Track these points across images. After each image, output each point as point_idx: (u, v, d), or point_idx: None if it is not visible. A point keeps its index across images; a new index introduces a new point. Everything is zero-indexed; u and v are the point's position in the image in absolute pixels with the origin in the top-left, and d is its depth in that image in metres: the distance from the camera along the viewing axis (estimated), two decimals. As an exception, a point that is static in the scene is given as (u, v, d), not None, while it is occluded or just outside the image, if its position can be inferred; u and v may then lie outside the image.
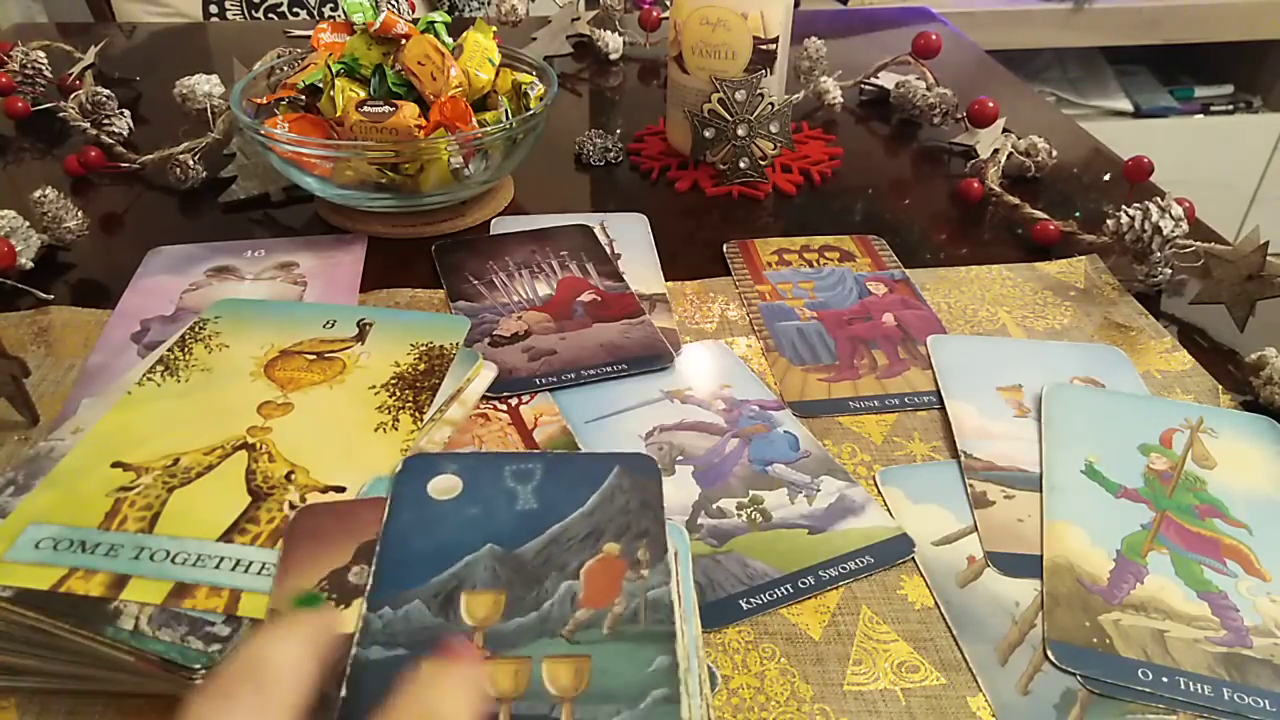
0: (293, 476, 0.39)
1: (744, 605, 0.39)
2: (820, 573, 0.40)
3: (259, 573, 0.35)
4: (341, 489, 0.39)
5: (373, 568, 0.35)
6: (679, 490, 0.44)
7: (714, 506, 0.43)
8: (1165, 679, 0.36)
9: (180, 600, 0.34)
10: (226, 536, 0.36)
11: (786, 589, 0.40)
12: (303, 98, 0.64)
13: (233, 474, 0.39)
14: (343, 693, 0.31)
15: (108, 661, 0.33)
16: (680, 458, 0.46)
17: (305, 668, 0.27)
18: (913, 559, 0.42)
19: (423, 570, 0.35)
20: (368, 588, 0.34)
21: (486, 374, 0.49)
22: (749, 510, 0.43)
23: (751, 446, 0.47)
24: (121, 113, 0.76)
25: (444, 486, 0.38)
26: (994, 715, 0.35)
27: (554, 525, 0.37)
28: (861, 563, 0.41)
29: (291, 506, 0.38)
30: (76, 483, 0.39)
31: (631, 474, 0.39)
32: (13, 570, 0.34)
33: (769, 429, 0.48)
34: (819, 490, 0.45)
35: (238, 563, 0.35)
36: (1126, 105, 1.86)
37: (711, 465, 0.46)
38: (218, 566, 0.35)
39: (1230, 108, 1.90)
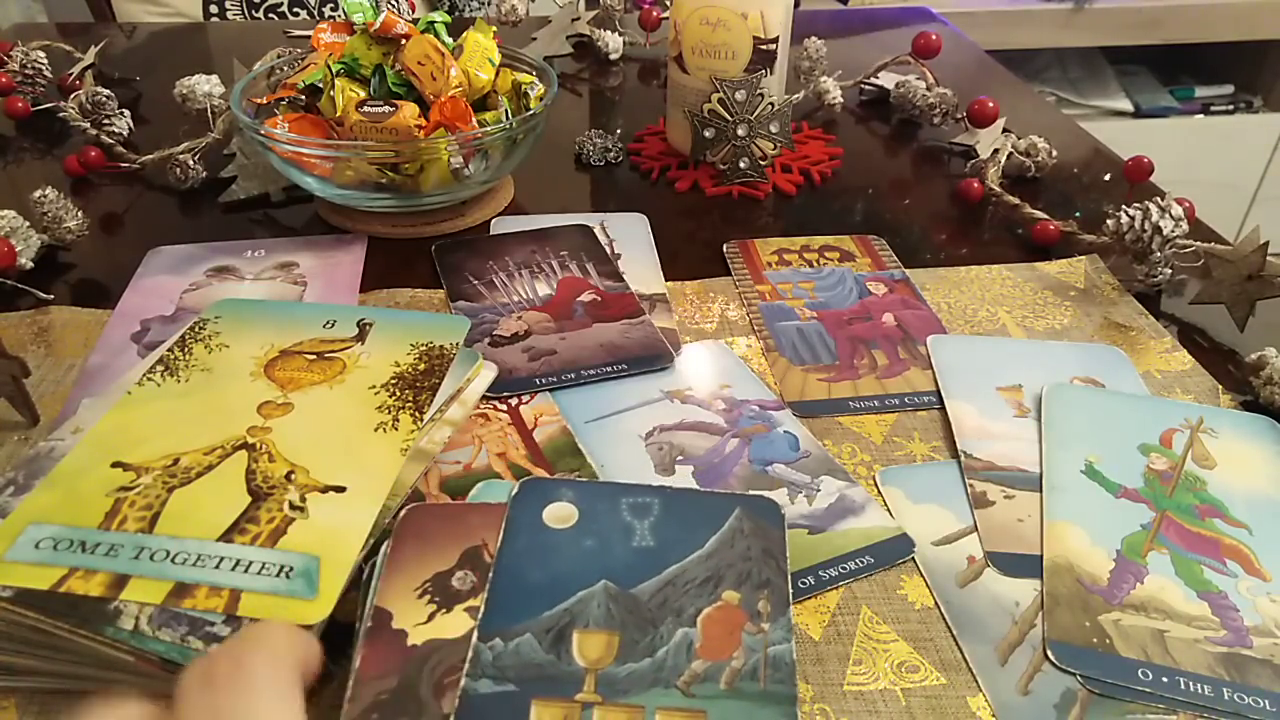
0: (293, 476, 0.39)
1: None
2: (820, 573, 0.40)
3: (259, 573, 0.35)
4: (342, 489, 0.39)
5: (485, 594, 0.34)
6: (679, 490, 0.44)
7: None
8: (1165, 679, 0.36)
9: (180, 600, 0.34)
10: (226, 536, 0.36)
11: None
12: (303, 98, 0.64)
13: (233, 474, 0.39)
14: None
15: (108, 661, 0.33)
16: (680, 458, 0.46)
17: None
18: (913, 559, 0.42)
19: (536, 602, 0.34)
20: (480, 615, 0.33)
21: (486, 374, 0.49)
22: None
23: (752, 446, 0.47)
24: (121, 113, 0.76)
25: (560, 515, 0.38)
26: (994, 715, 0.35)
27: (671, 566, 0.36)
28: (861, 563, 0.41)
29: (292, 506, 0.38)
30: (76, 483, 0.39)
31: (753, 517, 0.38)
32: (13, 570, 0.34)
33: (769, 429, 0.48)
34: (819, 490, 0.45)
35: (238, 563, 0.35)
36: (1126, 105, 1.86)
37: (712, 465, 0.46)
38: (218, 566, 0.35)
39: (1230, 108, 1.90)
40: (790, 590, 0.36)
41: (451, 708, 0.30)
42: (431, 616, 0.35)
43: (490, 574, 0.35)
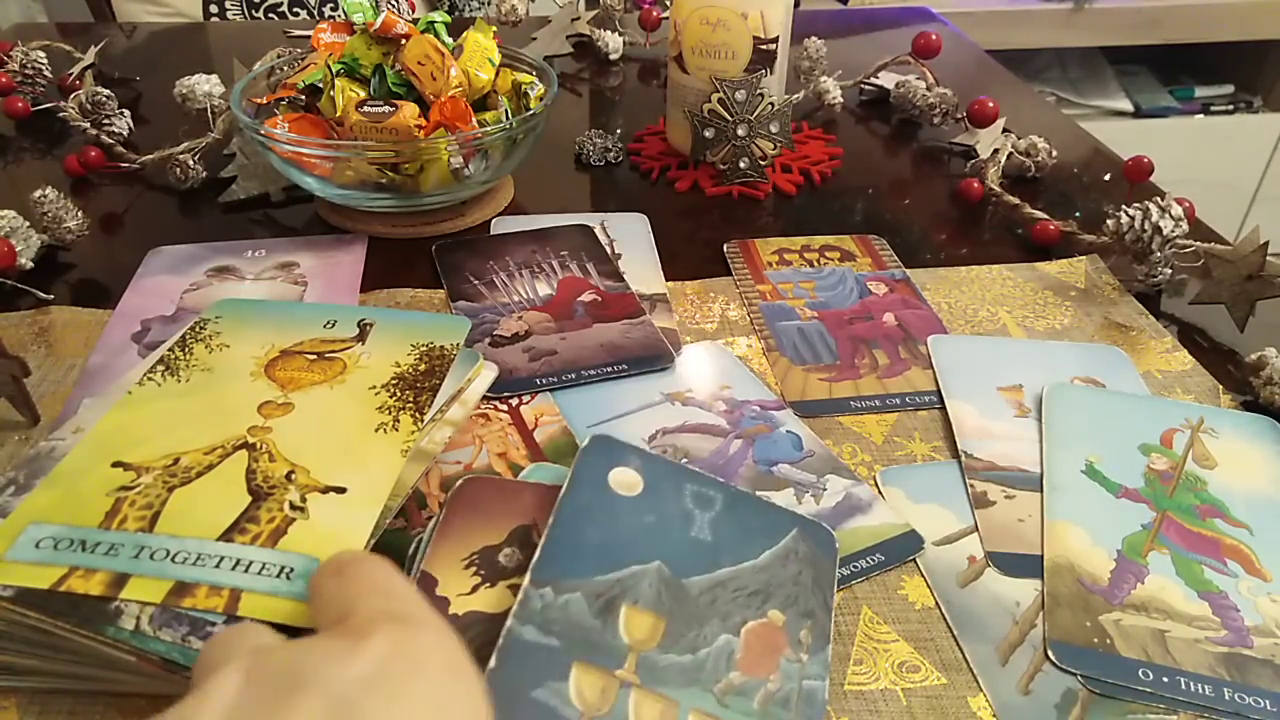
0: (293, 476, 0.39)
1: None
2: None
3: (259, 573, 0.35)
4: (342, 489, 0.39)
5: (543, 539, 0.33)
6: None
7: None
8: (1166, 679, 0.36)
9: (180, 599, 0.34)
10: (226, 536, 0.36)
11: None
12: (303, 98, 0.64)
13: (233, 474, 0.39)
14: (492, 663, 0.29)
15: (109, 661, 0.33)
16: (685, 460, 0.46)
17: None
18: (914, 559, 0.42)
19: (590, 563, 0.33)
20: (535, 558, 0.32)
21: (487, 374, 0.49)
22: None
23: (755, 447, 0.47)
24: (121, 113, 0.76)
25: (625, 481, 0.37)
26: (995, 715, 0.35)
27: (724, 568, 0.35)
28: (873, 560, 0.41)
29: (292, 507, 0.38)
30: (77, 482, 0.39)
31: (809, 542, 0.37)
32: (13, 569, 0.34)
33: (771, 429, 0.48)
34: (825, 489, 0.45)
35: (237, 562, 0.35)
36: (1126, 105, 1.86)
37: (716, 467, 0.46)
38: (217, 566, 0.35)
39: (1230, 108, 1.90)
40: (832, 628, 0.35)
41: (489, 665, 0.30)
42: (475, 589, 0.34)
43: (551, 519, 0.34)
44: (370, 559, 0.29)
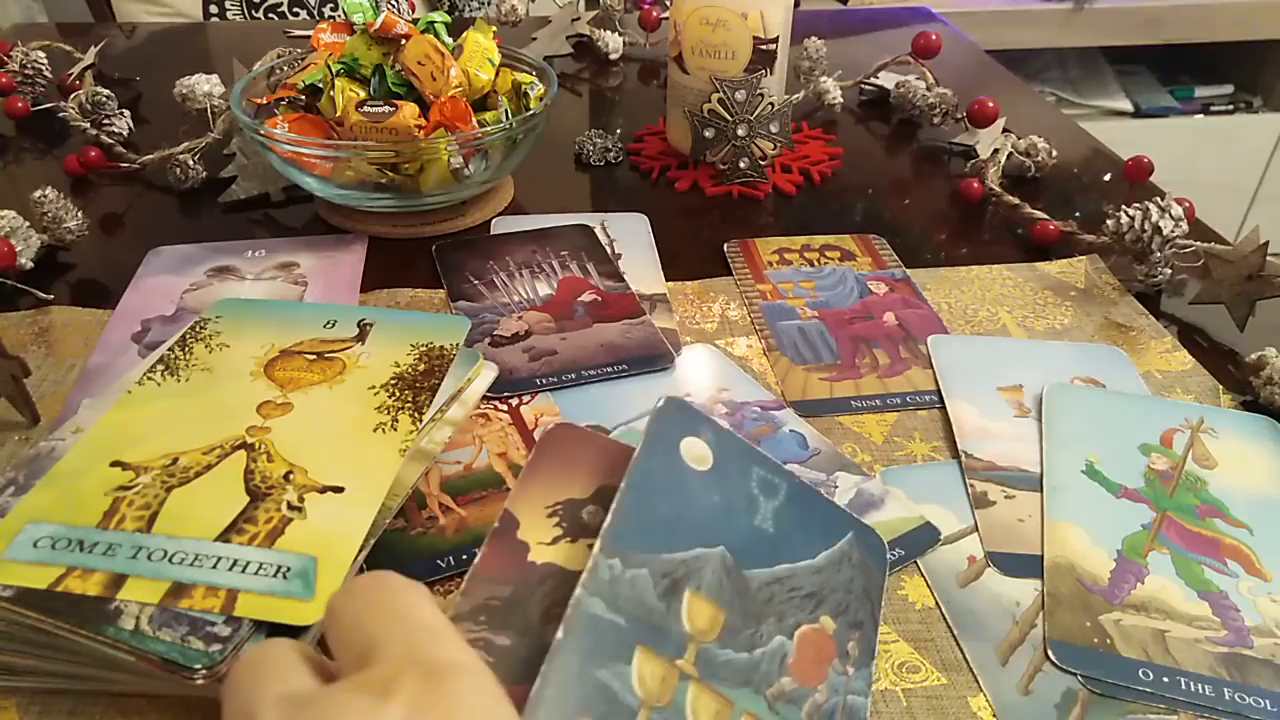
0: (291, 476, 0.39)
1: None
2: None
3: (256, 573, 0.35)
4: (340, 489, 0.39)
5: (615, 504, 0.31)
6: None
7: None
8: (1166, 679, 0.36)
9: (177, 600, 0.34)
10: (224, 536, 0.36)
11: None
12: (303, 98, 0.64)
13: (231, 474, 0.39)
14: (559, 634, 0.28)
15: (108, 661, 0.33)
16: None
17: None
18: (914, 560, 0.42)
19: (659, 538, 0.31)
20: (606, 524, 0.31)
21: (487, 374, 0.49)
22: None
23: (761, 449, 0.47)
24: (121, 113, 0.76)
25: (697, 453, 0.34)
26: (995, 715, 0.35)
27: (784, 564, 0.33)
28: (894, 555, 0.41)
29: (290, 507, 0.38)
30: (75, 482, 0.39)
31: (861, 549, 0.36)
32: (11, 569, 0.34)
33: (775, 430, 0.48)
34: (837, 487, 0.45)
35: (235, 562, 0.35)
36: (1126, 105, 1.86)
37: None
38: (215, 566, 0.35)
39: (1230, 108, 1.89)
40: (878, 643, 0.34)
41: (556, 636, 0.29)
42: (556, 540, 0.33)
43: (624, 483, 0.32)
44: (386, 579, 0.28)
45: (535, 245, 0.63)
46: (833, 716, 0.31)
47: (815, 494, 0.38)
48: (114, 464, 0.39)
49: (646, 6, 1.00)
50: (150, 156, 0.71)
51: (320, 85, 0.63)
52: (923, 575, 0.41)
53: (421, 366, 0.46)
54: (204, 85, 0.76)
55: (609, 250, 0.63)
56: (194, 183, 0.70)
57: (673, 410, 0.35)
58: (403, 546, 0.40)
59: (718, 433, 0.35)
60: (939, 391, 0.51)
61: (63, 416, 0.48)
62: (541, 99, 0.64)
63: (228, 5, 1.30)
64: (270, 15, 1.30)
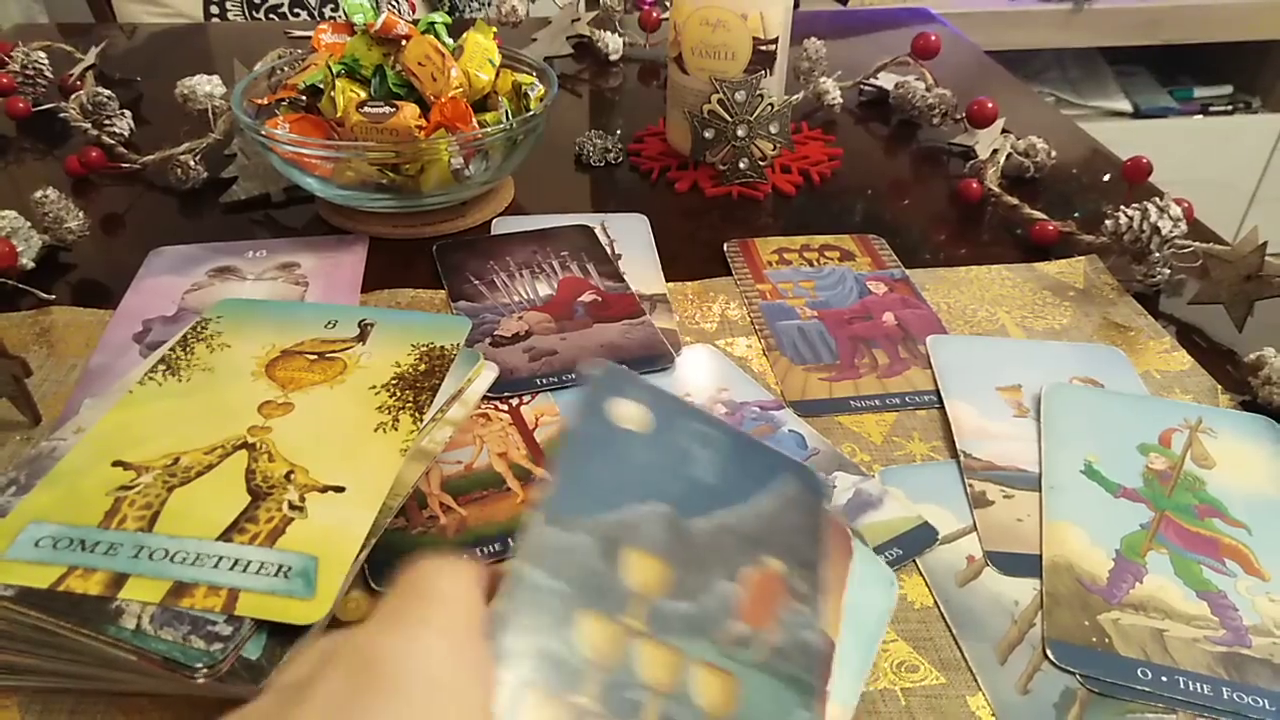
0: (292, 476, 0.39)
1: None
2: None
3: (257, 572, 0.35)
4: (341, 489, 0.39)
5: (548, 472, 0.31)
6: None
7: None
8: (1164, 678, 0.36)
9: (179, 599, 0.34)
10: (225, 536, 0.36)
11: None
12: (303, 98, 0.64)
13: (232, 473, 0.39)
14: (500, 606, 0.28)
15: (110, 661, 0.33)
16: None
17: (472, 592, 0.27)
18: (914, 560, 0.42)
19: (596, 499, 0.31)
20: (545, 490, 0.31)
21: (487, 374, 0.49)
22: None
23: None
24: (122, 113, 0.76)
25: (633, 415, 0.34)
26: (994, 714, 0.35)
27: (726, 510, 0.33)
28: (892, 555, 0.41)
29: (291, 506, 0.38)
30: (77, 481, 0.39)
31: (801, 486, 0.35)
32: (12, 569, 0.34)
33: (774, 429, 0.48)
34: (835, 486, 0.45)
35: (236, 562, 0.35)
36: (1126, 105, 1.86)
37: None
38: (216, 566, 0.35)
39: (1230, 108, 1.90)
40: (829, 578, 0.34)
41: (496, 609, 0.28)
42: None
43: (559, 449, 0.32)
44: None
45: (535, 245, 0.63)
46: (787, 654, 0.31)
47: (753, 442, 0.38)
48: (115, 464, 0.40)
49: (646, 7, 1.00)
50: (151, 157, 0.71)
51: (321, 86, 0.63)
52: (922, 575, 0.41)
53: (422, 366, 0.46)
54: (205, 86, 0.76)
55: (609, 250, 0.63)
56: (195, 183, 0.70)
57: (606, 377, 0.35)
58: (403, 546, 0.41)
59: (654, 395, 0.35)
60: (938, 391, 0.51)
61: (64, 416, 0.48)
62: (542, 100, 0.64)
63: (228, 6, 1.30)
64: (271, 16, 1.30)
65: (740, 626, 0.31)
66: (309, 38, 0.69)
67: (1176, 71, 1.94)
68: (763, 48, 0.70)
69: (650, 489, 0.33)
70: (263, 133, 0.59)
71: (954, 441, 0.48)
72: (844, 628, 0.36)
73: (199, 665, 0.32)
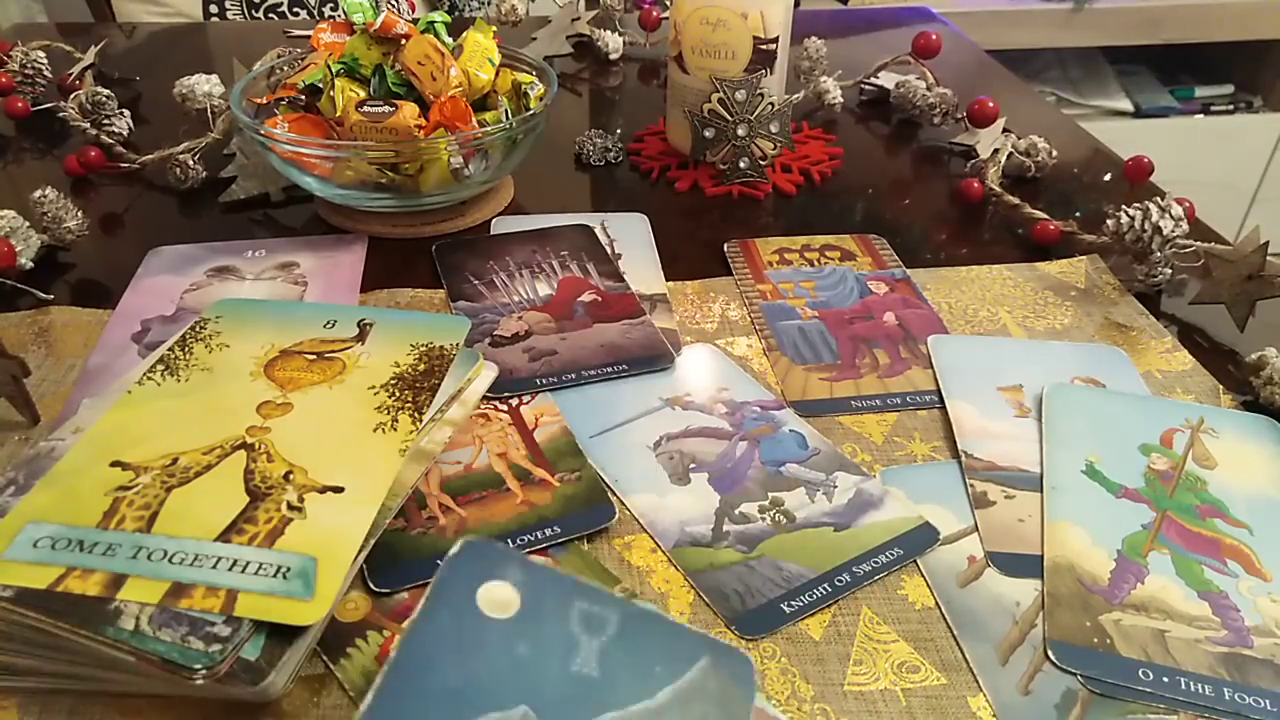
0: (291, 476, 0.39)
1: (785, 609, 0.39)
2: (854, 569, 0.41)
3: (256, 573, 0.35)
4: (340, 489, 0.39)
5: (377, 682, 0.27)
6: (699, 499, 0.44)
7: (736, 512, 0.43)
8: (1166, 679, 0.36)
9: (177, 600, 0.34)
10: (224, 536, 0.36)
11: (825, 588, 0.40)
12: (302, 98, 0.64)
13: (231, 474, 0.39)
14: None
15: (108, 661, 0.33)
16: (693, 465, 0.46)
17: None
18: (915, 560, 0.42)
19: (442, 709, 0.27)
20: (363, 707, 0.27)
21: (487, 374, 0.49)
22: (772, 513, 0.43)
23: (761, 448, 0.47)
24: (121, 113, 0.76)
25: (498, 599, 0.30)
26: (995, 715, 0.35)
27: (610, 712, 0.28)
28: (892, 555, 0.41)
29: (290, 507, 0.38)
30: (75, 482, 0.39)
31: (720, 674, 0.30)
32: (10, 569, 0.34)
33: (775, 429, 0.48)
34: (836, 486, 0.45)
35: (235, 563, 0.35)
36: (1126, 105, 1.86)
37: (725, 470, 0.45)
38: (215, 566, 0.35)
39: (1230, 108, 1.89)
40: None
41: None
42: None
43: (393, 653, 0.28)
44: None
45: (535, 245, 0.63)
46: None
47: (659, 619, 0.32)
48: (114, 464, 0.39)
49: (646, 6, 1.00)
50: (150, 156, 0.71)
51: (320, 85, 0.62)
52: (922, 575, 0.41)
53: (421, 366, 0.46)
54: (204, 85, 0.76)
55: (609, 250, 0.63)
56: (194, 183, 0.70)
57: (469, 554, 0.31)
58: (403, 546, 0.40)
59: (528, 570, 0.31)
60: (939, 391, 0.51)
61: (63, 416, 0.48)
62: (541, 99, 0.64)
63: (228, 5, 1.30)
64: (270, 15, 1.30)
65: None
66: (308, 37, 0.69)
67: (1177, 71, 1.94)
68: (763, 47, 0.70)
69: (515, 690, 0.28)
70: (262, 132, 0.59)
71: (955, 442, 0.48)
72: None
73: (198, 666, 0.32)
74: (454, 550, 0.31)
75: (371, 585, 0.39)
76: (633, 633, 0.31)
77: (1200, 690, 0.36)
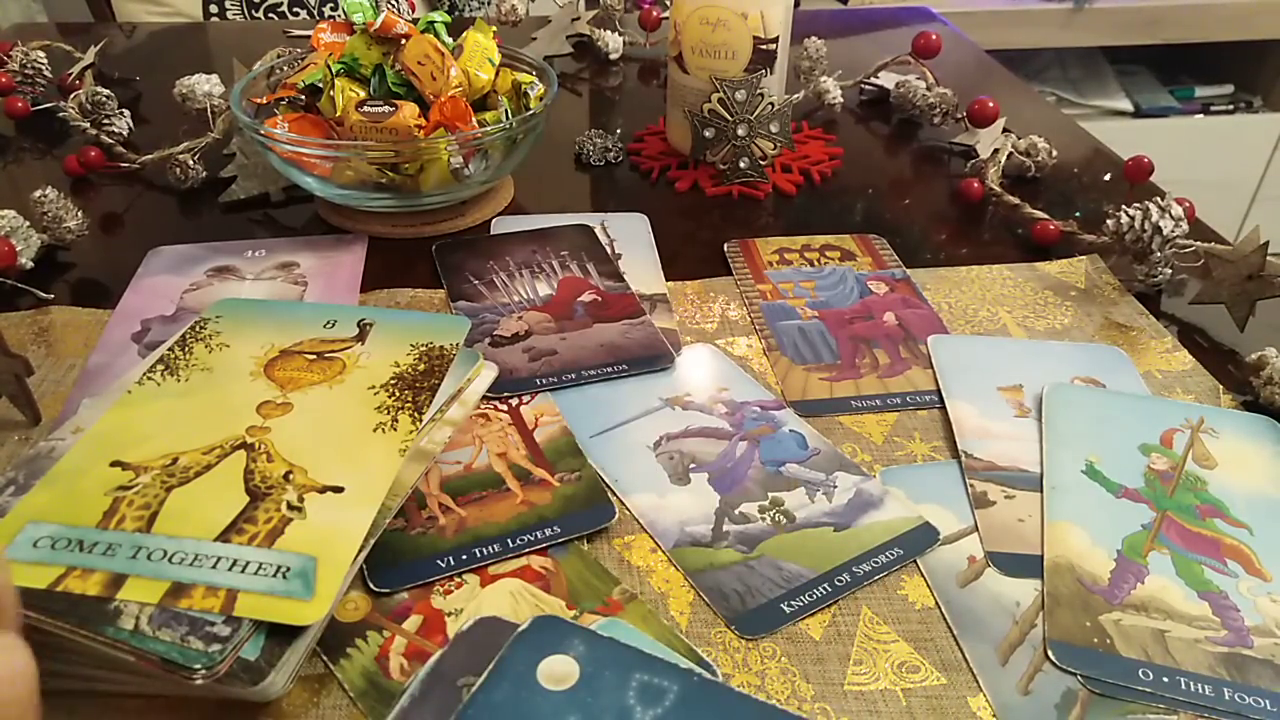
0: (291, 476, 0.39)
1: (785, 609, 0.39)
2: (854, 569, 0.41)
3: (256, 573, 0.35)
4: (340, 489, 0.39)
5: None
6: (699, 499, 0.44)
7: (736, 512, 0.43)
8: (1166, 679, 0.36)
9: (177, 600, 0.34)
10: (224, 536, 0.36)
11: (824, 588, 0.40)
12: (302, 98, 0.64)
13: (231, 474, 0.39)
14: None
15: (108, 661, 0.33)
16: (693, 465, 0.46)
17: None
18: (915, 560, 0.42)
19: None
20: None
21: (487, 374, 0.49)
22: (772, 513, 0.43)
23: (761, 448, 0.47)
24: (121, 112, 0.76)
25: (558, 672, 0.30)
26: (994, 715, 0.35)
27: None
28: (892, 555, 0.41)
29: (290, 507, 0.38)
30: (75, 481, 0.39)
31: None
32: (10, 569, 0.34)
33: (774, 429, 0.48)
34: (836, 486, 0.45)
35: (234, 562, 0.35)
36: (1126, 105, 1.86)
37: (725, 470, 0.45)
38: (214, 566, 0.35)
39: (1230, 108, 1.89)
40: None
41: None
42: None
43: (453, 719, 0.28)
44: None
45: (535, 245, 0.63)
46: None
47: (722, 690, 0.31)
48: (114, 464, 0.39)
49: (646, 6, 1.00)
50: (150, 156, 0.71)
51: (320, 85, 0.62)
52: (922, 575, 0.41)
53: (421, 366, 0.46)
54: (204, 85, 0.76)
55: (609, 250, 0.63)
56: (194, 183, 0.70)
57: (537, 629, 0.31)
58: (403, 546, 0.40)
59: (591, 642, 0.31)
60: (939, 391, 0.51)
61: (63, 416, 0.48)
62: (541, 99, 0.64)
63: (228, 5, 1.30)
64: (270, 15, 1.30)
65: None
66: (308, 37, 0.69)
67: (1177, 71, 1.94)
68: (763, 47, 0.70)
69: None
70: (262, 132, 0.59)
71: (955, 441, 0.48)
72: None
73: (197, 666, 0.32)
74: (523, 626, 0.31)
75: (371, 585, 0.39)
76: (693, 702, 0.30)
77: (1200, 690, 0.36)
